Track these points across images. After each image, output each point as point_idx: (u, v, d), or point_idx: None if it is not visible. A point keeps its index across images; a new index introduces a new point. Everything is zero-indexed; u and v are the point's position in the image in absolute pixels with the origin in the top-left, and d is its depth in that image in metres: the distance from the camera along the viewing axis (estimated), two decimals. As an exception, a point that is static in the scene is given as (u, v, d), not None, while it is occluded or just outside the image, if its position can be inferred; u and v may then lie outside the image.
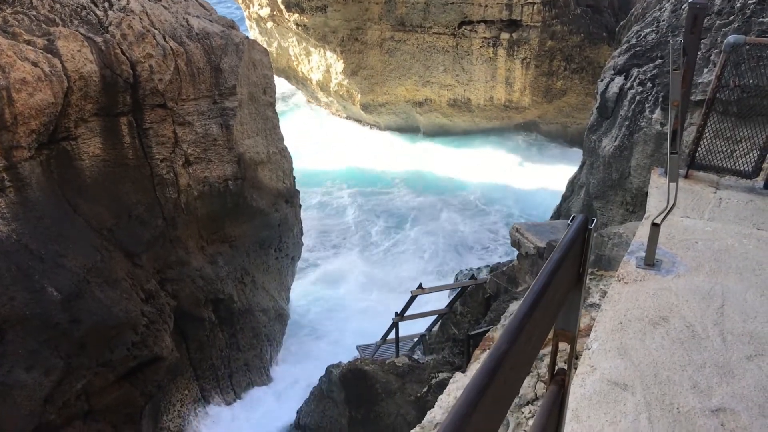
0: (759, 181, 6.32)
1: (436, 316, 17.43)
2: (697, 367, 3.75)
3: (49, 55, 12.12)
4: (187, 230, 15.50)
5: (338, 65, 36.45)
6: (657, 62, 13.50)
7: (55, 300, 11.58)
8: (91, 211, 13.25)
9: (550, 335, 1.93)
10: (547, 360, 5.57)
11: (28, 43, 12.13)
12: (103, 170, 13.54)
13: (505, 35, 32.68)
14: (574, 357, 2.01)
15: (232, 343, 17.43)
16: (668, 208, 4.58)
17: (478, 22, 32.81)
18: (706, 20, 11.64)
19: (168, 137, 14.55)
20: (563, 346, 1.96)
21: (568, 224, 1.76)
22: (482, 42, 33.20)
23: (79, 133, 13.00)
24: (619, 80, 14.27)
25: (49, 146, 12.56)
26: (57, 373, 11.57)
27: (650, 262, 4.75)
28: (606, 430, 3.37)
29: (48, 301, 11.52)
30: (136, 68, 13.51)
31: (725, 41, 6.06)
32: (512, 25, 32.58)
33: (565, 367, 2.00)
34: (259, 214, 17.48)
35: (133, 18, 13.82)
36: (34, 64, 11.74)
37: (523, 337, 1.39)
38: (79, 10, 13.48)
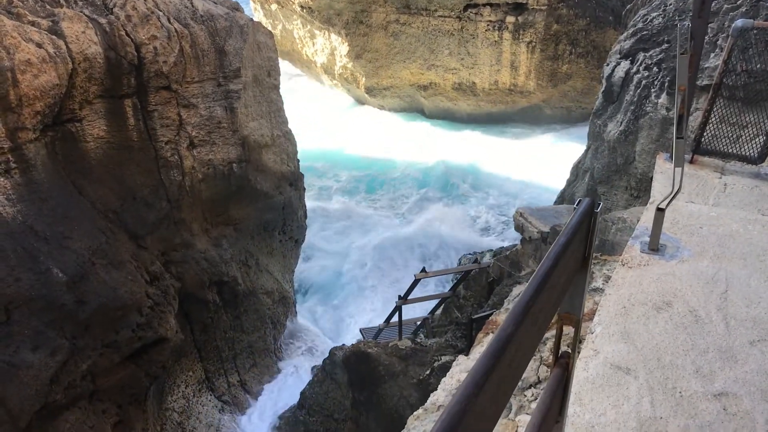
0: (764, 167, 6.31)
1: (439, 299, 17.49)
2: (699, 352, 3.77)
3: (54, 37, 12.09)
4: (192, 213, 15.53)
5: (343, 48, 36.30)
6: (663, 47, 13.42)
7: (60, 281, 11.64)
8: (96, 193, 13.27)
9: (555, 318, 1.95)
10: (550, 344, 5.60)
11: (33, 24, 12.10)
12: (107, 152, 13.54)
13: (510, 18, 32.48)
14: (578, 340, 2.02)
15: (236, 325, 17.52)
16: (673, 193, 4.58)
17: (484, 5, 32.61)
18: (713, 4, 11.56)
19: (172, 119, 14.54)
20: (568, 329, 1.97)
21: (575, 207, 1.77)
22: (487, 25, 33.01)
23: (83, 114, 12.99)
24: (625, 64, 14.19)
25: (53, 128, 12.56)
26: (62, 354, 11.65)
27: (654, 246, 4.75)
28: (609, 413, 3.39)
29: (53, 282, 11.57)
30: (140, 50, 13.48)
31: (733, 25, 6.03)
32: (518, 8, 32.37)
33: (569, 350, 2.01)
34: (263, 197, 17.49)
35: (138, -1, 13.77)
36: (39, 45, 11.72)
37: (528, 320, 1.41)
38: (83, -9, 13.43)
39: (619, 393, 3.51)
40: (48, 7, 12.65)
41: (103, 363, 12.63)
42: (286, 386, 18.42)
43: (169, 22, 14.05)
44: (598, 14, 32.24)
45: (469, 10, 32.93)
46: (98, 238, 12.70)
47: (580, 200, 1.80)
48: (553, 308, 1.68)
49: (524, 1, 32.01)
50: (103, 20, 13.01)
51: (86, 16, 12.80)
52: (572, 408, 3.39)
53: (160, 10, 14.08)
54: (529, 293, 1.44)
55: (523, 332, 1.37)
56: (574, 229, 1.71)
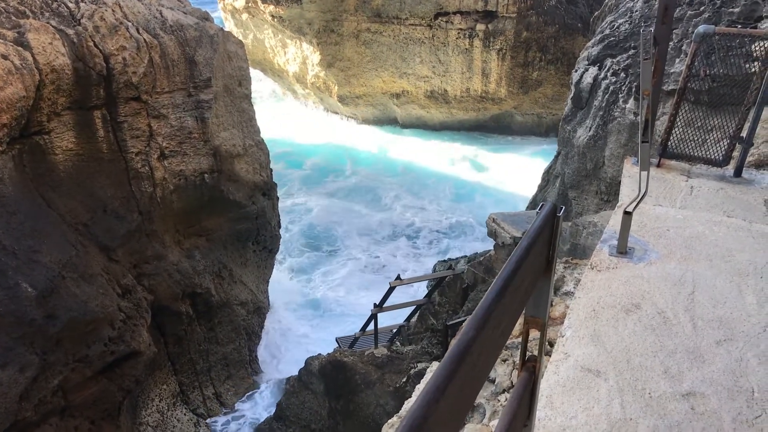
0: (729, 170, 6.42)
1: (414, 306, 17.48)
2: (668, 353, 3.81)
3: (20, 48, 11.93)
4: (164, 224, 15.38)
5: (314, 57, 36.30)
6: (630, 52, 13.62)
7: (29, 296, 11.45)
8: (66, 205, 13.10)
9: (522, 323, 1.96)
10: (523, 348, 5.62)
11: (-2, 35, 11.94)
12: (77, 164, 13.38)
13: (480, 26, 32.76)
14: (544, 344, 2.03)
15: (211, 337, 17.36)
16: (639, 197, 4.64)
17: (454, 13, 32.86)
18: (677, 10, 11.77)
19: (143, 130, 14.41)
20: (535, 334, 1.99)
21: (537, 212, 1.79)
22: (458, 33, 33.26)
23: (52, 127, 12.83)
24: (593, 70, 14.37)
25: (21, 140, 12.38)
26: (32, 370, 11.45)
27: (623, 249, 4.80)
28: (580, 416, 3.41)
29: (22, 297, 11.38)
30: (109, 61, 13.35)
31: (695, 31, 6.14)
32: (488, 16, 32.67)
33: (536, 354, 2.03)
34: (235, 207, 17.38)
35: (106, 10, 13.64)
36: (4, 57, 11.56)
37: (490, 323, 1.41)
38: (50, 2, 13.28)
39: (590, 395, 3.54)
40: (13, 18, 12.49)
41: (75, 378, 12.44)
42: (263, 397, 18.28)
43: (138, 32, 13.95)
44: (567, 21, 32.65)
45: (440, 18, 33.15)
46: (68, 251, 12.52)
47: (542, 204, 1.82)
48: (516, 312, 1.69)
49: (494, 9, 32.32)
50: (70, 31, 12.87)
51: (53, 27, 12.66)
52: (543, 411, 3.42)
53: (129, 21, 13.98)
54: (490, 297, 1.45)
55: (485, 336, 1.38)
56: (536, 233, 1.72)
